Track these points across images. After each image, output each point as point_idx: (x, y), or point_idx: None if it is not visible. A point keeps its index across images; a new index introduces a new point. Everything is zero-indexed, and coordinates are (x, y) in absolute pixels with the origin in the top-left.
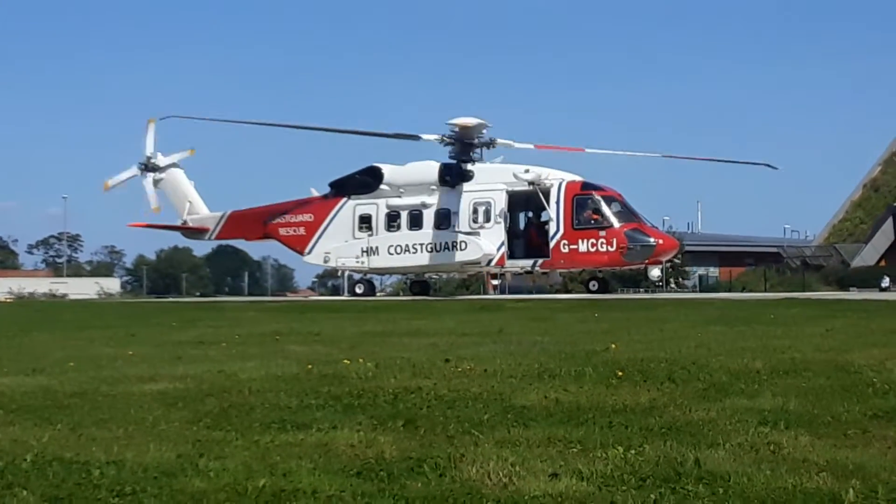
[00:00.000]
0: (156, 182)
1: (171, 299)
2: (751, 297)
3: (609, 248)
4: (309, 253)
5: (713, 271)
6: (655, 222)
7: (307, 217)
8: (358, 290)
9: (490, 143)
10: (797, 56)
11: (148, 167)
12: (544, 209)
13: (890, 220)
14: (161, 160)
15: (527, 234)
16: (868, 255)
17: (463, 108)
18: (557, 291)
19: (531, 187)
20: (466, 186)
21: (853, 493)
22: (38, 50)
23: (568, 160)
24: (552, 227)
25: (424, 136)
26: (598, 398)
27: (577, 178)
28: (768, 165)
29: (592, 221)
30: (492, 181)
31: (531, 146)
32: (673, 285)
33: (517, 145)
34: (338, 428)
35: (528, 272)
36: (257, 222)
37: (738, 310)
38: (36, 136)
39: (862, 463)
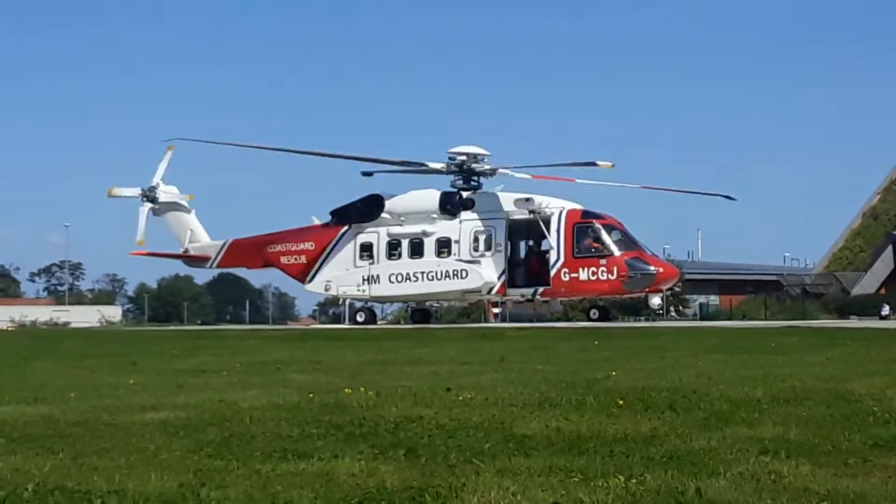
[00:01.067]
0: (156, 211)
1: (172, 327)
2: (751, 326)
3: (610, 276)
4: (310, 281)
5: (713, 299)
6: (656, 250)
7: (308, 245)
8: (359, 319)
9: (490, 172)
10: (795, 82)
11: (148, 197)
12: (545, 237)
13: (889, 249)
14: (162, 195)
15: (527, 263)
16: (868, 283)
17: (463, 136)
18: (558, 320)
19: (532, 216)
20: (467, 215)
21: None
22: (38, 76)
23: (568, 189)
24: (553, 256)
25: (431, 164)
26: (599, 427)
27: (578, 207)
28: (727, 197)
29: (593, 250)
30: (492, 209)
31: (528, 176)
32: (673, 313)
33: (518, 175)
34: (339, 457)
35: (528, 300)
36: (258, 250)
37: (739, 338)
38: (37, 163)
39: (863, 492)
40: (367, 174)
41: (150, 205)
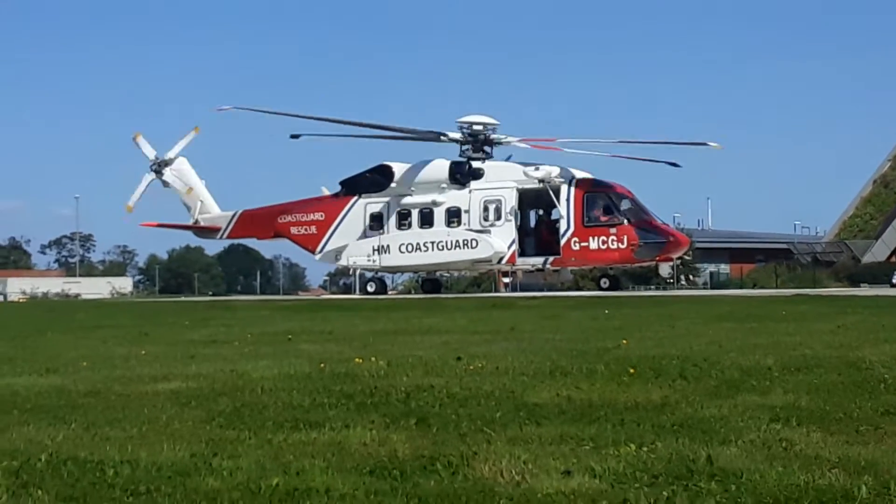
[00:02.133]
0: (166, 183)
1: (183, 298)
2: (762, 294)
3: (620, 245)
4: (320, 252)
5: (724, 268)
6: (666, 219)
7: (318, 216)
8: (369, 289)
9: (492, 141)
10: (807, 51)
11: (160, 166)
12: (555, 207)
13: None
14: (168, 174)
15: (537, 232)
16: (878, 251)
17: (466, 106)
18: (569, 289)
19: (541, 185)
20: (477, 184)
21: (865, 489)
22: (48, 50)
23: (579, 158)
24: (563, 225)
25: (450, 135)
26: (610, 395)
27: (588, 176)
28: (704, 144)
29: (603, 219)
30: (502, 179)
31: (518, 140)
32: (683, 282)
33: (512, 141)
34: (350, 426)
35: (539, 270)
36: (269, 221)
37: (749, 306)
38: (48, 136)
39: (874, 459)
40: (295, 136)
41: (153, 175)
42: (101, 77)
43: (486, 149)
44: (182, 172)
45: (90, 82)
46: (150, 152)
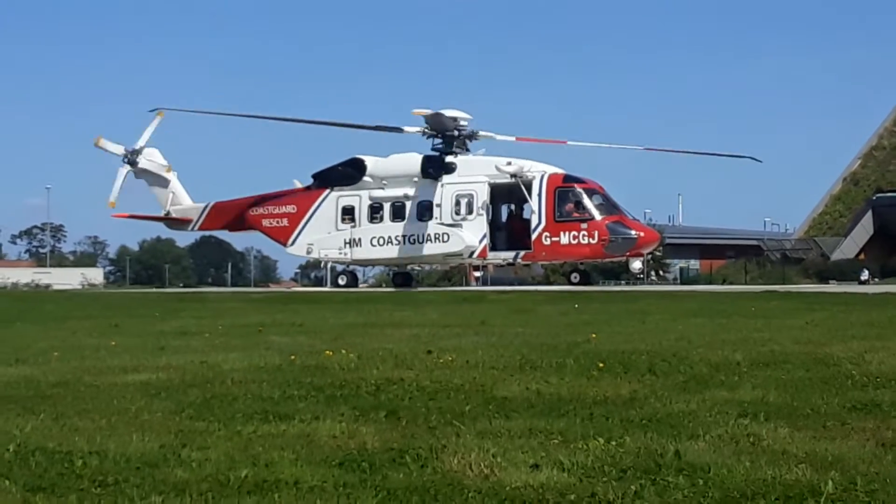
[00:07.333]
0: (137, 173)
1: (154, 290)
2: (731, 290)
3: (591, 240)
4: (292, 244)
5: (694, 264)
6: (637, 215)
7: (290, 208)
8: (341, 282)
9: (472, 136)
10: (778, 50)
11: (129, 160)
12: (526, 201)
13: (869, 214)
14: (142, 161)
15: (509, 227)
16: (847, 249)
17: (446, 100)
18: (539, 283)
19: (513, 179)
20: (449, 178)
21: (832, 484)
22: (18, 41)
23: (550, 153)
24: (534, 220)
25: (406, 129)
26: (580, 390)
27: (559, 171)
28: (752, 158)
29: (574, 214)
30: (474, 173)
31: (512, 138)
32: (654, 278)
33: (498, 137)
34: (320, 419)
35: (510, 264)
36: (240, 213)
37: (719, 302)
38: (19, 126)
39: (841, 455)
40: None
41: (129, 167)
42: (72, 67)
43: (459, 143)
44: (155, 160)
45: (62, 72)
46: (118, 149)
